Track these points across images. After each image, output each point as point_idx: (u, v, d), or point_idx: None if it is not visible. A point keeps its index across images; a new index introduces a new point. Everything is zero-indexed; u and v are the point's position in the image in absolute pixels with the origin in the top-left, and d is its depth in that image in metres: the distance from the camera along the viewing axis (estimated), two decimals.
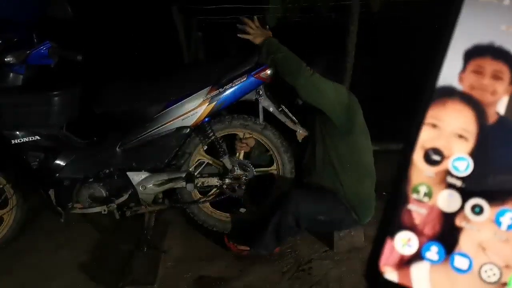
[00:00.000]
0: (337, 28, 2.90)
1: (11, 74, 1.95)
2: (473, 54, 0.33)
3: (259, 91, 2.05)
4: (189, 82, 2.07)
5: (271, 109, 2.09)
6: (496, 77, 0.32)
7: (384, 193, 2.20)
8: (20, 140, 1.97)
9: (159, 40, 3.66)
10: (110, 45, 3.52)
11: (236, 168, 2.17)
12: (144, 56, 3.51)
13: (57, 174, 2.05)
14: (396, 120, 1.79)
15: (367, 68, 3.48)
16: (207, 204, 2.28)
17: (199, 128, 2.10)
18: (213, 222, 2.29)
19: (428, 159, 0.34)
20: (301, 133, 2.13)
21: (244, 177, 2.17)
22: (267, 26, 2.04)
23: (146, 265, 1.98)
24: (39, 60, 1.94)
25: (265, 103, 2.07)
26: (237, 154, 2.22)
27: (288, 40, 2.04)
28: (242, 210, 2.28)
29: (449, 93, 0.33)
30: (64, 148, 2.06)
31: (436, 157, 0.33)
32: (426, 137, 0.34)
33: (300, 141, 2.16)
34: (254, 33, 1.97)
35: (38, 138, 1.99)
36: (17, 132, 1.97)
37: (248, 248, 2.08)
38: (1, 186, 2.11)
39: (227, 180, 2.16)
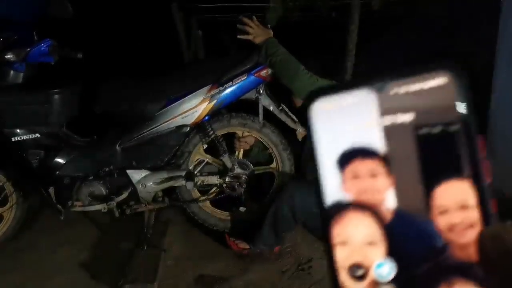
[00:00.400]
0: (337, 28, 2.90)
1: (12, 72, 1.95)
2: (343, 163, 0.33)
3: (259, 89, 2.05)
4: (189, 80, 2.07)
5: (271, 108, 2.09)
6: (373, 175, 0.32)
7: None
8: (20, 138, 1.97)
9: (159, 39, 3.66)
10: (110, 44, 3.52)
11: (236, 166, 2.17)
12: (144, 54, 3.51)
13: (57, 172, 2.05)
14: None
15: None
16: (208, 203, 2.28)
17: (199, 127, 2.10)
18: (213, 221, 2.29)
19: (353, 277, 0.32)
20: (301, 132, 2.13)
21: (244, 176, 2.17)
22: (269, 25, 2.03)
23: (146, 264, 1.98)
24: (39, 58, 1.94)
25: (265, 102, 2.07)
26: (237, 153, 2.22)
27: (288, 39, 2.04)
28: (242, 209, 2.28)
29: (341, 208, 0.33)
30: (64, 146, 2.06)
31: (359, 272, 0.32)
32: (341, 257, 0.33)
33: (300, 140, 2.15)
34: (254, 32, 1.96)
35: (38, 136, 1.99)
36: (17, 130, 1.97)
37: (249, 247, 2.08)
38: (1, 184, 2.11)
39: (227, 179, 2.16)
